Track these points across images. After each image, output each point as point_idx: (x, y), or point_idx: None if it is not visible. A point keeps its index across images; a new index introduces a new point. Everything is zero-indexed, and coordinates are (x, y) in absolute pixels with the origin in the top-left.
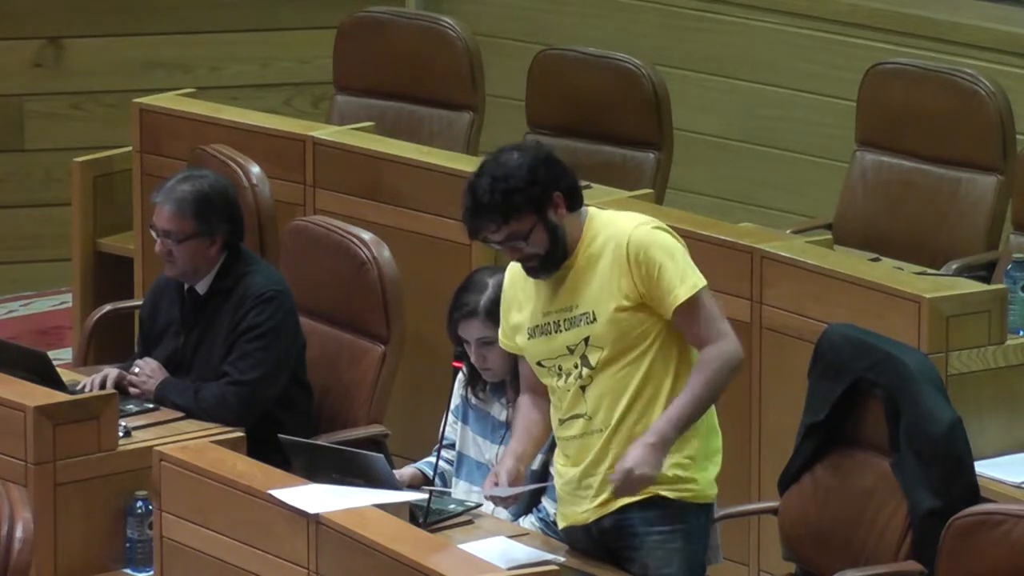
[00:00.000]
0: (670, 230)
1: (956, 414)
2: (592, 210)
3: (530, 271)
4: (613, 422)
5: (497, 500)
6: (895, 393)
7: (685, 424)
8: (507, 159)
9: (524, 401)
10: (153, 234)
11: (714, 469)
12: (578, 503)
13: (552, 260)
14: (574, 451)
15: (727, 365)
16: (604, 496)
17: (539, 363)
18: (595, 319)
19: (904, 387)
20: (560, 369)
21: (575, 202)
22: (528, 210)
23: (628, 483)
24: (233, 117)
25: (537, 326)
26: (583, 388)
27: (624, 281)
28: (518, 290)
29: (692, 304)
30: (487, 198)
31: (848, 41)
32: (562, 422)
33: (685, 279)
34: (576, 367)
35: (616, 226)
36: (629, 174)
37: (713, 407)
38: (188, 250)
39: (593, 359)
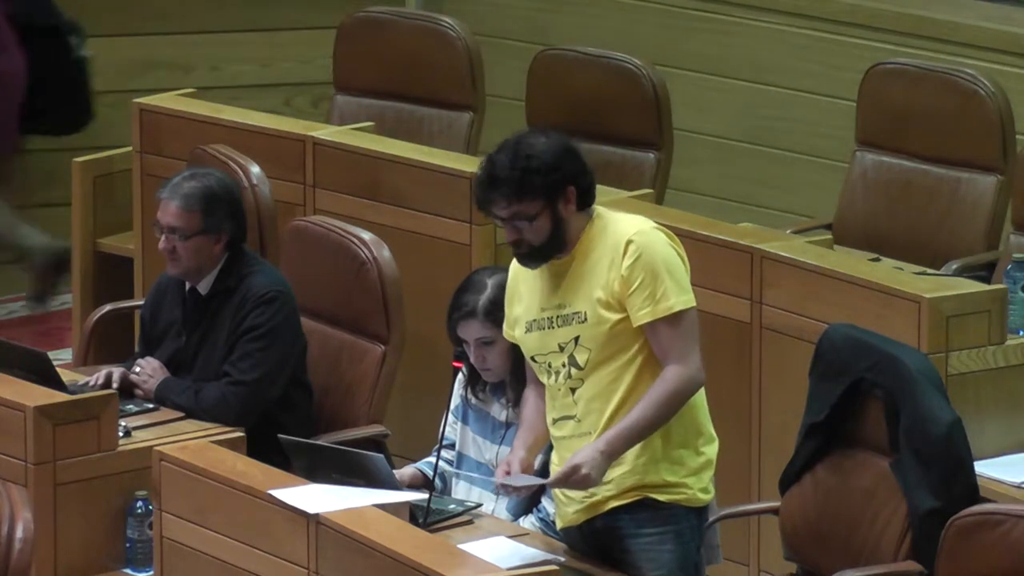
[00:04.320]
0: (675, 240)
1: (956, 414)
2: (599, 209)
3: (519, 257)
4: (600, 427)
5: (509, 489)
6: (895, 393)
7: (634, 441)
8: (534, 140)
9: (529, 393)
10: (157, 231)
11: (707, 475)
12: (569, 503)
13: (544, 251)
14: (566, 452)
15: (685, 390)
16: (594, 498)
17: (532, 358)
18: (586, 319)
19: (904, 387)
20: (550, 367)
21: (586, 201)
22: (541, 195)
23: (571, 480)
24: (233, 117)
25: (534, 320)
26: (573, 390)
27: (617, 285)
28: (520, 283)
29: (656, 325)
30: (506, 172)
31: (848, 41)
32: (555, 422)
33: (662, 299)
34: (564, 366)
35: (620, 227)
36: (629, 174)
37: (707, 413)
38: (193, 247)
39: (581, 360)
